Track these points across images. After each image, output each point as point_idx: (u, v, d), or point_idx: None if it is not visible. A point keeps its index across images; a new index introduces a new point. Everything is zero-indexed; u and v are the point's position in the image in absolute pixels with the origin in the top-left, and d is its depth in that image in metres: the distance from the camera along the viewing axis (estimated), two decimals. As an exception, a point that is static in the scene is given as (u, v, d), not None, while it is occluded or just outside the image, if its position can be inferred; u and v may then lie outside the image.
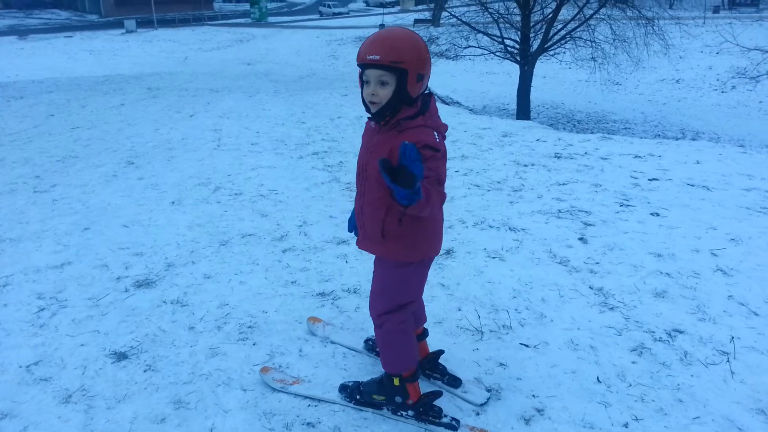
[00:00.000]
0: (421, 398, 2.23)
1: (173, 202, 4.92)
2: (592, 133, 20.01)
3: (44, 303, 3.13)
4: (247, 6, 54.28)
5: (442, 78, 27.17)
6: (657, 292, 3.24)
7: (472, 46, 19.07)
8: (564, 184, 5.25)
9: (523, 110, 18.07)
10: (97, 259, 3.70)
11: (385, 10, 46.83)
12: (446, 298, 3.19)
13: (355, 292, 3.26)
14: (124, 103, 11.28)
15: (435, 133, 1.91)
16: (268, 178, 5.75)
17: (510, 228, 4.17)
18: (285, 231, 4.20)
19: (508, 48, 17.54)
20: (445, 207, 4.41)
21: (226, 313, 3.04)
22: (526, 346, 2.75)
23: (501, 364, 2.61)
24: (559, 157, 6.24)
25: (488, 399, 2.37)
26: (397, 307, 2.15)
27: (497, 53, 18.41)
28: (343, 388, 2.38)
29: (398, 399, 2.24)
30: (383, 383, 2.26)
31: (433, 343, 2.58)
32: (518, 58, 17.74)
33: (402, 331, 2.17)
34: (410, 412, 2.24)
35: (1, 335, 2.82)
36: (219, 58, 31.91)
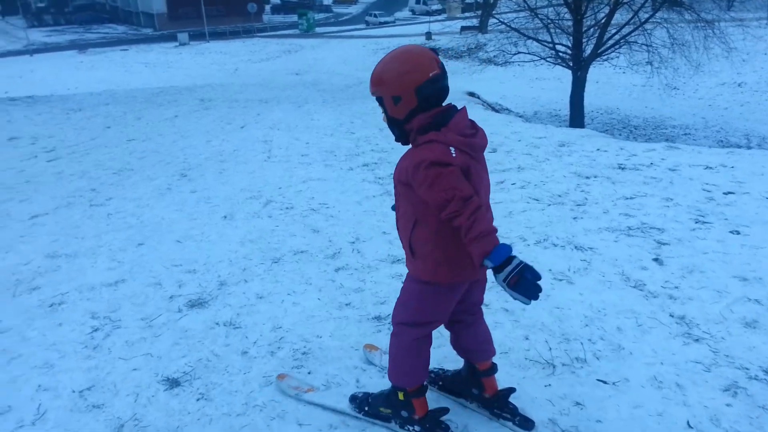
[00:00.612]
0: (428, 414, 2.17)
1: (225, 217, 4.88)
2: (650, 139, 19.32)
3: (98, 323, 3.09)
4: (295, 17, 55.18)
5: (490, 84, 26.78)
6: (747, 322, 2.93)
7: (521, 53, 18.70)
8: (631, 198, 4.93)
9: (577, 117, 17.55)
10: (150, 277, 3.66)
11: (432, 18, 46.65)
12: (511, 325, 2.97)
13: (413, 317, 3.08)
14: (177, 115, 11.50)
15: (451, 148, 1.80)
16: (319, 191, 5.66)
17: (576, 247, 3.91)
18: (337, 248, 4.07)
19: (560, 53, 17.07)
20: (504, 223, 4.10)
21: (280, 336, 2.91)
22: (604, 382, 2.50)
23: (577, 404, 2.37)
24: (623, 169, 5.90)
25: None
26: (416, 323, 2.09)
27: (548, 59, 17.96)
28: (353, 399, 2.35)
29: (404, 413, 2.20)
30: (390, 396, 2.23)
31: (501, 377, 2.38)
32: (570, 64, 17.23)
33: (414, 348, 2.12)
34: (417, 428, 2.19)
35: (56, 357, 2.78)
36: (268, 69, 32.46)
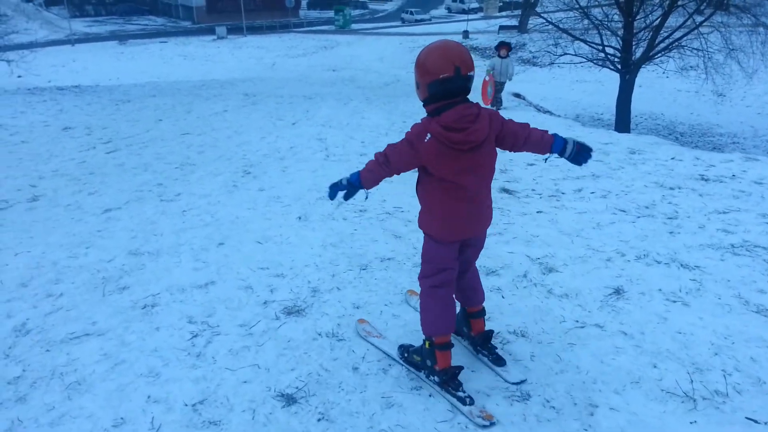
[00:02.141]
0: (446, 369, 2.45)
1: (300, 218, 4.76)
2: (698, 146, 18.74)
3: (196, 328, 2.98)
4: (331, 13, 55.20)
5: (530, 86, 26.35)
6: None
7: (568, 54, 18.30)
8: (725, 212, 4.67)
9: (623, 121, 17.08)
10: (239, 280, 3.55)
11: (469, 17, 46.18)
12: (634, 351, 2.78)
13: (523, 336, 2.91)
14: (227, 110, 11.49)
15: (429, 134, 2.22)
16: (388, 193, 5.50)
17: (681, 265, 3.68)
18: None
19: (608, 56, 16.62)
20: (595, 235, 3.86)
21: (389, 363, 2.76)
22: (755, 422, 2.30)
23: (733, 445, 2.18)
24: (706, 180, 5.62)
25: (524, 381, 2.55)
26: (429, 273, 2.48)
27: (596, 61, 17.53)
28: (401, 347, 2.75)
29: (428, 362, 2.52)
30: (422, 346, 2.56)
31: (639, 410, 2.21)
32: (619, 67, 16.77)
33: (431, 295, 2.47)
34: (436, 378, 2.49)
35: (160, 364, 2.68)
36: (305, 64, 32.50)
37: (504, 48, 10.91)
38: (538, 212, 4.81)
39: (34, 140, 8.58)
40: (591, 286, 3.42)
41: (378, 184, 2.43)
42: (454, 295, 2.56)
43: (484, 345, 2.69)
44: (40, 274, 3.67)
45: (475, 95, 12.28)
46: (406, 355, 2.68)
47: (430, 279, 2.48)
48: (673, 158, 6.59)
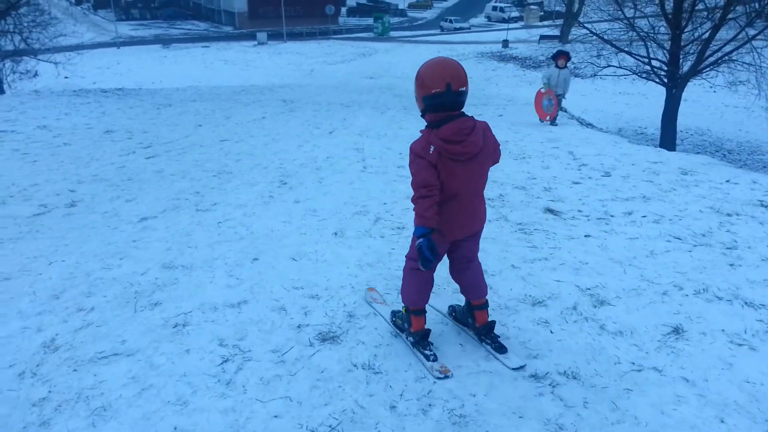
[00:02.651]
0: (419, 331, 2.86)
1: (336, 233, 4.62)
2: (746, 165, 18.02)
3: (227, 352, 2.86)
4: (369, 20, 55.44)
5: (572, 98, 25.75)
6: None
7: (612, 66, 17.85)
8: (790, 244, 4.34)
9: (669, 137, 16.51)
10: (273, 300, 3.42)
11: (509, 26, 45.75)
12: (697, 401, 2.53)
13: (574, 378, 2.69)
14: (265, 116, 11.51)
15: (431, 146, 2.44)
16: (428, 209, 5.33)
17: (746, 302, 3.40)
18: (466, 281, 3.72)
19: (654, 69, 16.12)
20: (649, 264, 3.63)
21: (428, 390, 2.59)
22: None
23: None
24: (766, 207, 5.27)
25: (523, 366, 2.76)
26: (412, 257, 2.81)
27: (642, 74, 17.03)
28: (392, 312, 3.17)
29: (406, 325, 2.95)
30: (402, 311, 2.99)
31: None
32: (665, 81, 16.23)
33: (410, 275, 2.85)
34: (411, 339, 2.90)
35: (188, 392, 2.56)
36: (343, 71, 32.63)
37: (562, 57, 10.24)
38: (586, 236, 4.57)
39: (77, 142, 8.70)
40: (647, 323, 3.17)
41: (436, 214, 2.50)
42: (433, 278, 2.90)
43: (487, 335, 2.94)
44: (72, 286, 3.62)
45: (526, 108, 11.90)
46: (394, 318, 3.12)
47: (412, 263, 2.85)
48: (728, 181, 6.23)
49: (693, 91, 24.86)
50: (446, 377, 2.67)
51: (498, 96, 22.20)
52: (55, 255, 4.12)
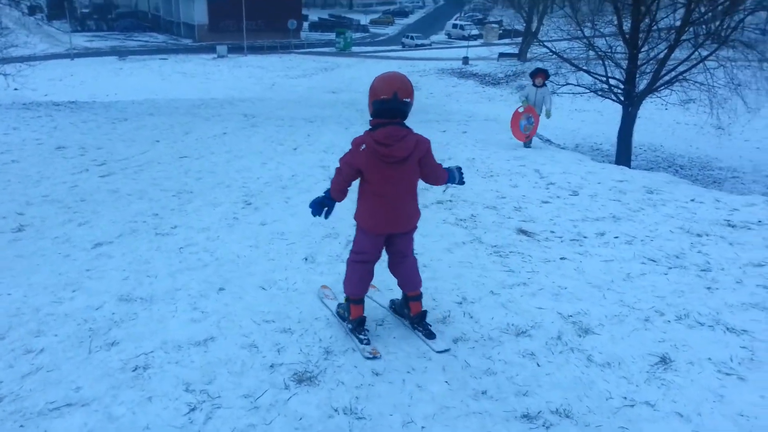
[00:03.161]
0: (356, 318, 3.16)
1: (306, 259, 4.42)
2: (697, 180, 18.59)
3: (194, 399, 2.61)
4: (331, 35, 55.45)
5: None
6: None
7: (570, 84, 18.23)
8: (761, 265, 4.36)
9: (624, 153, 16.90)
10: (242, 335, 3.19)
11: (470, 43, 46.50)
12: (693, 438, 2.44)
13: (567, 416, 2.57)
14: (226, 132, 11.19)
15: (363, 144, 2.84)
16: (400, 231, 5.18)
17: (728, 328, 3.36)
18: (446, 310, 3.58)
19: (612, 87, 16.54)
20: (627, 288, 4.08)
21: (415, 436, 2.41)
22: None
23: None
24: (733, 227, 5.33)
25: (448, 350, 3.09)
26: (353, 251, 3.20)
27: (599, 93, 17.46)
28: (338, 305, 3.46)
29: (347, 314, 3.25)
30: (344, 301, 3.31)
31: None
32: (622, 99, 16.67)
33: (350, 267, 3.19)
34: (350, 325, 3.20)
35: (151, 447, 2.31)
36: (305, 86, 32.41)
37: (540, 76, 9.78)
38: (561, 259, 4.50)
39: (25, 159, 8.23)
40: (633, 352, 3.08)
41: (343, 194, 3.11)
42: (373, 271, 3.23)
43: (419, 323, 3.25)
44: (19, 323, 3.30)
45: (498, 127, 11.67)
46: (338, 309, 3.40)
47: (353, 255, 3.20)
48: (693, 200, 6.31)
49: (646, 108, 25.64)
50: (375, 358, 3.00)
51: (459, 112, 22.35)
52: (0, 287, 3.77)
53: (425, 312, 3.24)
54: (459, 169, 3.31)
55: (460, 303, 3.68)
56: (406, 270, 3.26)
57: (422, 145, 2.93)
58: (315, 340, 3.16)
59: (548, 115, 9.70)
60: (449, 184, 3.29)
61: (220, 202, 6.07)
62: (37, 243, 4.68)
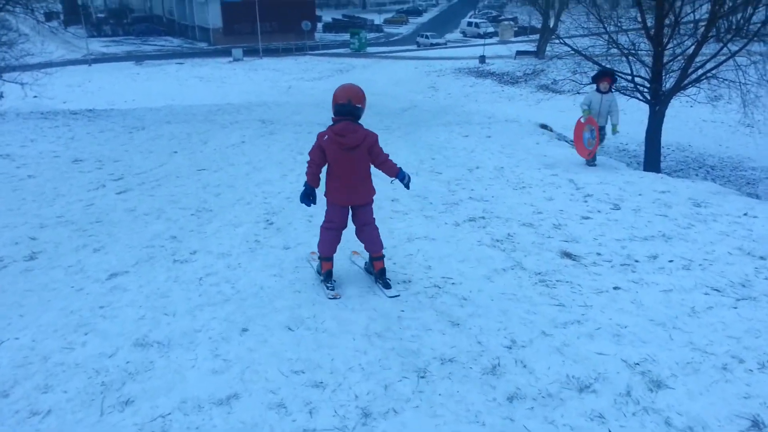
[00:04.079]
0: (325, 271, 4.08)
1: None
2: (730, 181, 17.95)
3: (218, 478, 2.28)
4: (346, 36, 55.17)
5: (550, 113, 25.75)
6: None
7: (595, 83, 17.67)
8: (840, 296, 3.92)
9: (653, 155, 16.32)
10: (269, 392, 2.85)
11: (486, 41, 45.90)
12: None
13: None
14: (244, 140, 10.92)
15: (326, 135, 3.80)
16: (432, 256, 4.82)
17: (820, 380, 2.94)
18: (493, 357, 3.20)
19: (638, 86, 15.99)
20: (693, 325, 3.69)
21: None
22: None
23: None
24: (798, 247, 4.88)
25: (397, 295, 4.00)
26: (325, 219, 4.09)
27: (624, 92, 16.91)
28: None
29: (319, 268, 4.20)
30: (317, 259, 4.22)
31: None
32: (648, 98, 16.10)
33: (325, 232, 4.08)
34: (322, 277, 4.11)
35: None
36: (321, 88, 32.14)
37: (605, 80, 8.12)
38: (615, 289, 4.10)
39: (41, 174, 8.02)
40: (718, 413, 2.68)
41: (317, 177, 3.95)
42: (340, 236, 4.13)
43: (380, 277, 4.12)
44: (26, 376, 3.00)
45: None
46: (317, 267, 4.28)
47: (324, 224, 4.09)
48: (745, 214, 5.85)
49: (671, 105, 24.99)
50: (336, 299, 3.90)
51: (479, 113, 21.91)
52: (8, 330, 3.48)
53: (384, 269, 4.14)
54: (409, 178, 4.08)
55: (510, 347, 3.30)
56: (368, 236, 4.10)
57: (370, 138, 3.84)
58: (350, 398, 2.81)
59: (615, 131, 8.14)
60: (396, 179, 4.05)
61: (240, 222, 5.76)
62: (49, 273, 4.40)
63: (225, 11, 52.54)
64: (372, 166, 3.98)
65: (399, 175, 4.01)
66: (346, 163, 3.83)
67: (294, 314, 3.70)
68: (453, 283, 4.23)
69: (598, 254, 4.82)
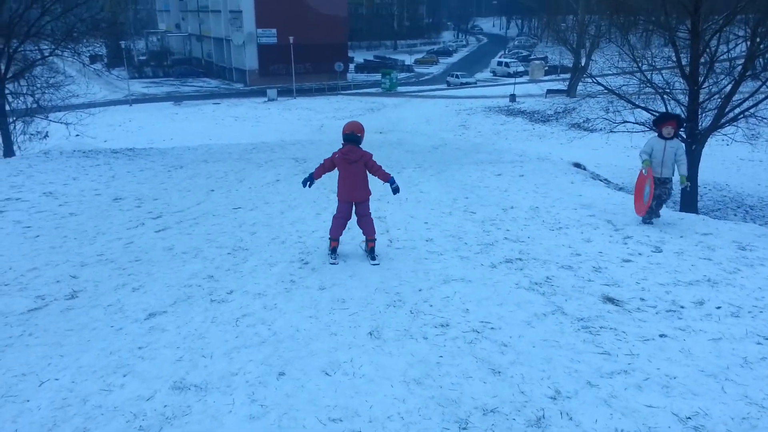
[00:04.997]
0: (332, 247, 5.72)
1: (371, 334, 4.02)
2: (773, 222, 17.35)
3: None
4: (377, 76, 56.27)
5: (583, 151, 25.59)
6: None
7: (629, 122, 17.59)
8: None
9: (690, 194, 15.94)
10: (307, 439, 2.80)
11: (516, 80, 46.22)
12: None
13: None
14: (279, 179, 11.09)
15: (337, 153, 5.48)
16: (470, 299, 4.74)
17: None
18: (538, 408, 3.09)
19: (674, 125, 15.73)
20: (749, 378, 3.64)
21: None
22: None
23: None
24: None
25: (378, 264, 5.63)
26: (337, 212, 5.70)
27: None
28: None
29: (328, 245, 5.78)
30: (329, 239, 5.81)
31: None
32: (684, 136, 15.86)
33: (334, 221, 5.69)
34: (329, 252, 5.74)
35: None
36: (352, 126, 32.59)
37: (670, 124, 6.87)
38: (662, 336, 3.94)
39: (83, 212, 8.23)
40: (781, 476, 2.52)
41: (319, 174, 5.67)
42: (345, 224, 5.72)
43: (370, 253, 5.71)
44: (65, 419, 3.00)
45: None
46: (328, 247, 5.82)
47: (335, 213, 5.69)
48: (796, 258, 5.62)
49: (707, 144, 24.59)
50: (333, 264, 5.58)
51: (510, 151, 21.89)
52: (48, 371, 3.51)
53: (374, 248, 5.73)
54: (398, 186, 5.71)
55: (555, 398, 3.18)
56: (365, 224, 5.71)
57: (365, 156, 5.48)
58: (391, 449, 2.73)
59: (683, 182, 6.96)
60: (387, 184, 5.61)
61: (275, 261, 5.78)
62: (89, 313, 4.46)
63: (261, 53, 54.34)
64: (369, 174, 5.57)
65: (390, 180, 5.58)
66: (350, 172, 5.48)
67: (331, 358, 3.65)
68: (492, 328, 4.14)
69: (642, 299, 4.67)
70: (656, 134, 7.02)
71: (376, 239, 5.76)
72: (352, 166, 5.43)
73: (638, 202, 7.23)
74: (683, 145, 7.11)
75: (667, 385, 3.28)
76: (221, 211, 8.29)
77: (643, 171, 6.91)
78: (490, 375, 3.42)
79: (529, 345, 3.84)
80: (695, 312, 4.38)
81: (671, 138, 6.87)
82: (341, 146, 5.48)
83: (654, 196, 6.82)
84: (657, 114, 15.53)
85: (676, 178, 7.16)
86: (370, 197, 5.72)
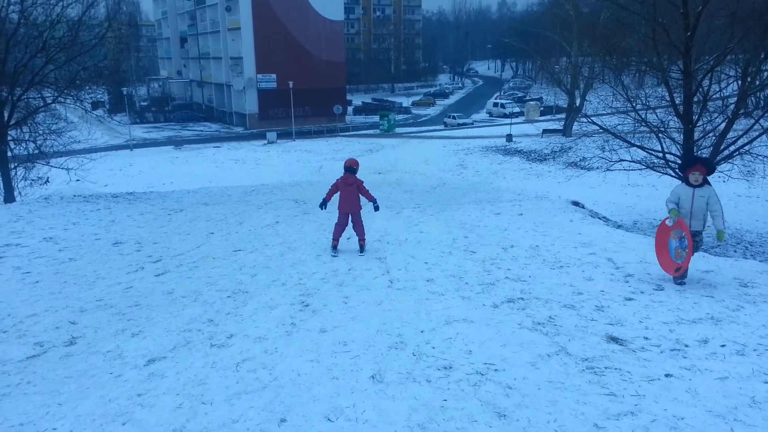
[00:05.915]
0: (333, 245, 7.97)
1: (373, 377, 3.98)
2: (772, 257, 17.33)
3: None
4: (375, 118, 57.10)
5: (580, 189, 25.69)
6: None
7: (626, 161, 17.77)
8: None
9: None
10: (310, 490, 2.73)
11: (512, 121, 46.91)
12: None
13: None
14: (278, 221, 11.11)
15: (339, 180, 7.79)
16: (473, 340, 4.70)
17: None
18: (545, 451, 3.03)
19: (670, 163, 15.98)
20: (759, 419, 3.50)
21: None
22: None
23: None
24: None
25: (363, 254, 7.90)
26: (338, 220, 7.91)
27: (657, 168, 16.87)
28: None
29: (331, 245, 7.94)
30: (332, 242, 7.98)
31: None
32: (681, 173, 15.97)
33: (335, 228, 7.92)
34: (331, 249, 7.97)
35: None
36: (351, 168, 32.88)
37: (698, 168, 6.07)
38: (667, 376, 3.90)
39: (83, 257, 8.23)
40: None
41: (330, 197, 7.88)
42: (346, 228, 7.84)
43: (360, 250, 7.85)
44: (62, 471, 2.95)
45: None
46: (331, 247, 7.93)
47: (336, 221, 7.83)
48: (798, 295, 5.61)
49: (702, 181, 24.67)
50: (334, 257, 7.69)
51: (508, 190, 22.05)
52: (46, 420, 3.46)
53: (363, 246, 7.85)
54: (378, 206, 7.98)
55: (561, 441, 3.13)
56: (357, 228, 7.76)
57: (358, 181, 7.62)
58: (396, 497, 2.67)
59: (720, 238, 6.19)
60: (371, 203, 7.75)
61: (276, 304, 5.76)
62: (88, 359, 4.41)
63: (261, 98, 55.27)
64: (361, 195, 7.68)
65: (373, 200, 7.79)
66: (347, 192, 7.62)
67: (333, 403, 3.60)
68: (496, 370, 4.09)
69: (646, 338, 4.64)
70: (685, 182, 6.21)
71: (365, 239, 7.98)
72: (349, 187, 7.65)
73: (663, 258, 6.28)
74: (715, 192, 6.13)
75: (675, 427, 3.23)
76: (221, 253, 8.29)
77: (668, 222, 6.16)
78: (495, 419, 3.37)
79: (534, 387, 3.79)
80: (700, 351, 4.34)
81: (699, 184, 6.05)
82: (342, 174, 7.76)
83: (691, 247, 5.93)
84: (656, 152, 15.75)
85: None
86: (361, 211, 7.89)
